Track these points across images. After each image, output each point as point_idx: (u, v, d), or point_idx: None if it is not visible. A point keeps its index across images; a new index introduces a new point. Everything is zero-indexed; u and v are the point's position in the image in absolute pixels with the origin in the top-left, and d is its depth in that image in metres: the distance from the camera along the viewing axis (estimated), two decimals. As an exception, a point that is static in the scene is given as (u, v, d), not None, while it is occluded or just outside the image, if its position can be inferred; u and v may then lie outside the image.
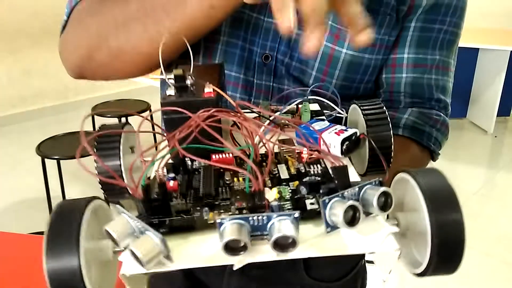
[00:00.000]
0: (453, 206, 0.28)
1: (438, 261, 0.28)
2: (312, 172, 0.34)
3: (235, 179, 0.34)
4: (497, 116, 3.37)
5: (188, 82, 0.37)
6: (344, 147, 0.37)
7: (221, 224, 0.26)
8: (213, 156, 0.35)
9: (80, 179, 2.70)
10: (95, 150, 0.36)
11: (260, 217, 0.27)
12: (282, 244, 0.26)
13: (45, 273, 0.26)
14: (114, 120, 2.62)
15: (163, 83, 0.40)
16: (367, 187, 0.29)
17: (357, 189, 0.29)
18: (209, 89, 0.36)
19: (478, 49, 3.36)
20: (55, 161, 2.10)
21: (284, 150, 0.38)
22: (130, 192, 0.30)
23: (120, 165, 0.36)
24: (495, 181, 2.89)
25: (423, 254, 0.29)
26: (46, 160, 2.07)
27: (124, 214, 0.27)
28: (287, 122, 0.43)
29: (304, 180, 0.33)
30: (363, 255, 0.74)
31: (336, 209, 0.28)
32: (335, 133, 0.37)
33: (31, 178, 2.66)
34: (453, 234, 0.27)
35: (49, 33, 3.73)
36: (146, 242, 0.26)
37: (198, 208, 0.30)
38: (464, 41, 2.84)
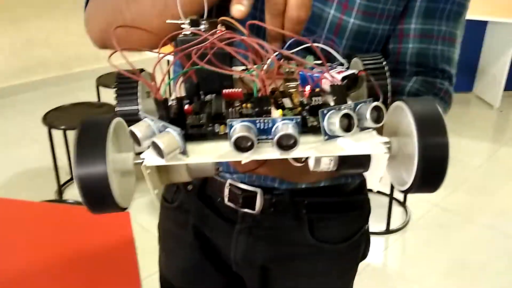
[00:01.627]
0: (440, 130, 0.31)
1: (421, 180, 0.32)
2: (313, 103, 0.37)
3: (244, 105, 0.36)
4: (504, 90, 3.34)
5: (202, 27, 0.39)
6: (343, 84, 0.39)
7: (231, 126, 0.30)
8: (224, 91, 0.38)
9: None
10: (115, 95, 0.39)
11: (266, 120, 0.31)
12: (285, 144, 0.30)
13: (75, 179, 0.30)
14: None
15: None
16: (362, 104, 0.33)
17: (352, 104, 0.33)
18: (221, 27, 0.39)
19: (487, 21, 3.31)
20: (61, 131, 2.12)
21: (289, 86, 0.40)
22: (153, 93, 0.33)
23: (138, 108, 0.39)
24: (499, 155, 2.89)
25: (410, 174, 0.33)
26: (51, 130, 2.08)
27: (147, 118, 0.31)
28: (293, 58, 0.44)
29: (305, 107, 0.36)
30: (366, 220, 0.75)
31: (333, 119, 0.32)
32: (336, 73, 0.40)
33: (37, 148, 2.69)
34: (437, 156, 0.31)
35: (51, 2, 3.69)
36: (167, 136, 0.29)
37: (210, 125, 0.34)
38: (472, 14, 2.78)
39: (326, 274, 0.73)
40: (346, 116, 0.31)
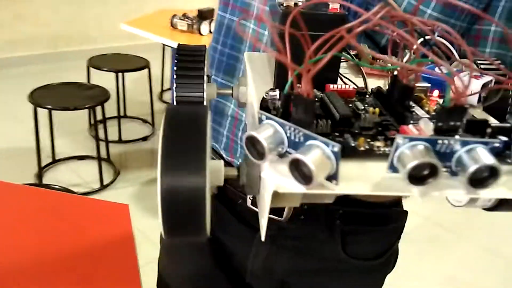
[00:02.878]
0: None
1: None
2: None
3: (371, 109, 0.27)
4: None
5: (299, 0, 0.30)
6: (483, 94, 0.31)
7: (398, 145, 0.21)
8: (330, 86, 0.29)
9: (70, 132, 2.60)
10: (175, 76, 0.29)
11: (451, 142, 0.21)
12: (477, 179, 0.21)
13: (158, 190, 0.21)
14: (111, 74, 2.51)
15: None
16: None
17: None
18: (334, 5, 0.29)
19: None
20: (47, 111, 2.00)
21: (418, 88, 0.31)
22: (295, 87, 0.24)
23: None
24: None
25: None
26: (37, 109, 1.96)
27: (271, 121, 0.22)
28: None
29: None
30: (400, 235, 0.68)
31: None
32: (473, 76, 0.31)
33: (20, 126, 2.55)
34: None
35: (44, -23, 3.54)
36: (317, 154, 0.20)
37: (337, 134, 0.25)
38: None
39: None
40: None
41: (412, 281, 1.88)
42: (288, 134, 0.22)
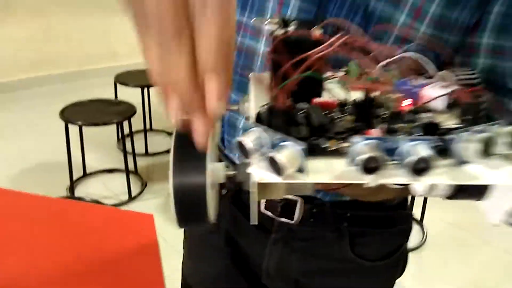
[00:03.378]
0: None
1: None
2: (422, 119, 0.33)
3: (346, 117, 0.33)
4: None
5: (290, 28, 0.35)
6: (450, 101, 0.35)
7: (355, 143, 0.27)
8: (315, 100, 0.34)
9: (99, 146, 2.70)
10: None
11: (395, 140, 0.27)
12: (417, 168, 0.26)
13: (170, 187, 0.28)
14: (137, 90, 2.60)
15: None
16: (495, 126, 0.29)
17: (485, 127, 0.29)
18: (318, 32, 0.35)
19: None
20: (77, 127, 2.10)
21: (391, 98, 0.36)
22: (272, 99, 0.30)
23: None
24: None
25: None
26: (68, 125, 2.07)
27: (257, 128, 0.28)
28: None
29: (415, 124, 0.32)
30: (407, 237, 0.71)
31: (467, 142, 0.28)
32: (440, 87, 0.36)
33: (52, 142, 2.67)
34: None
35: (74, -2, 3.71)
36: (288, 151, 0.26)
37: (313, 138, 0.30)
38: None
39: (362, 291, 0.70)
40: (484, 141, 0.27)
41: (436, 285, 1.88)
42: (269, 138, 0.28)
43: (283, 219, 0.64)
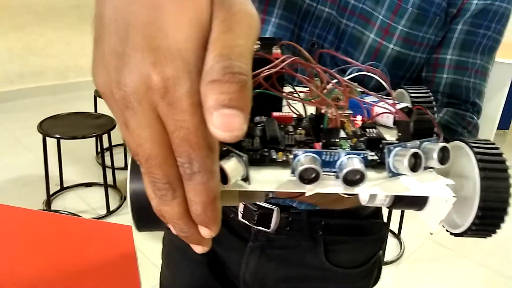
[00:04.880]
0: (503, 175, 0.30)
1: (478, 225, 0.31)
2: (367, 134, 0.36)
3: (297, 131, 0.35)
4: (497, 129, 3.38)
5: (255, 46, 0.37)
6: (395, 117, 0.38)
7: (296, 155, 0.29)
8: (274, 114, 0.36)
9: (77, 160, 2.67)
10: None
11: (332, 153, 0.29)
12: (351, 179, 0.28)
13: (128, 192, 0.29)
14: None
15: None
16: (427, 142, 0.32)
17: (418, 142, 0.32)
18: (277, 50, 0.37)
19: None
20: (55, 140, 2.08)
21: (341, 114, 0.38)
22: None
23: None
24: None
25: (465, 217, 0.31)
26: (46, 138, 2.04)
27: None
28: (351, 87, 0.43)
29: (361, 139, 0.35)
30: (381, 246, 0.73)
31: (399, 156, 0.30)
32: (389, 105, 0.38)
33: (29, 155, 2.63)
34: (499, 201, 0.30)
35: (54, 11, 3.69)
36: (233, 161, 0.28)
37: (266, 150, 0.32)
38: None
39: (337, 299, 0.71)
40: (414, 155, 0.29)
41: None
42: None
43: (260, 228, 0.65)
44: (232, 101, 0.20)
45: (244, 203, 0.34)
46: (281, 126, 0.36)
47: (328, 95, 0.36)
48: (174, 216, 0.24)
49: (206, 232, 0.25)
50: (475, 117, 0.61)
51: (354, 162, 0.28)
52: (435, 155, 0.30)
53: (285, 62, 0.34)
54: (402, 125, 0.34)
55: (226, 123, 0.20)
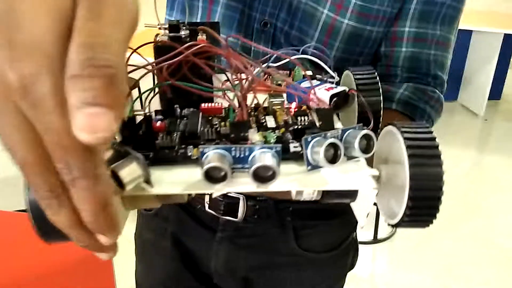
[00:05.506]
0: (434, 160, 0.28)
1: (412, 214, 0.28)
2: (299, 123, 0.34)
3: (223, 123, 0.33)
4: (488, 99, 3.37)
5: (182, 32, 0.36)
6: (332, 102, 0.37)
7: (203, 153, 0.26)
8: (202, 105, 0.34)
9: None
10: None
11: (242, 148, 0.27)
12: (262, 176, 0.26)
13: (25, 203, 0.26)
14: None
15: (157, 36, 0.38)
16: (350, 130, 0.30)
17: (340, 131, 0.30)
18: (202, 36, 0.35)
19: (472, 31, 3.34)
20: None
21: (273, 102, 0.36)
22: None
23: None
24: (484, 164, 2.90)
25: (400, 206, 0.29)
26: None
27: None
28: (274, 75, 0.41)
29: (290, 128, 0.33)
30: (354, 228, 0.72)
31: (317, 147, 0.28)
32: (325, 89, 0.37)
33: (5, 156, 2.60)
34: (430, 188, 0.28)
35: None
36: (129, 164, 0.25)
37: (183, 146, 0.30)
38: (458, 23, 2.81)
39: (312, 284, 0.70)
40: (332, 145, 0.27)
41: (409, 276, 1.91)
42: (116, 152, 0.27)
43: (227, 218, 0.64)
44: (97, 98, 0.18)
45: (165, 203, 0.32)
46: (209, 118, 0.34)
47: (236, 86, 0.33)
48: (66, 226, 0.22)
49: (104, 240, 0.23)
50: (437, 91, 0.59)
51: (266, 158, 0.26)
52: (356, 144, 0.28)
53: (191, 50, 0.32)
54: (322, 114, 0.32)
55: (90, 124, 0.18)
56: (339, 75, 0.47)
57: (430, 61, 0.57)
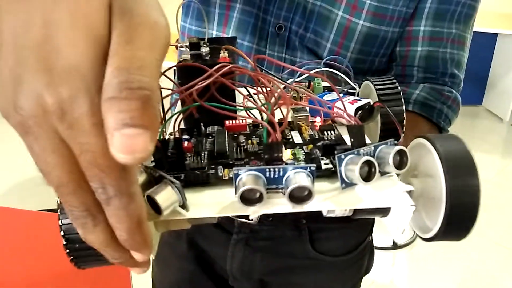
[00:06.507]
0: (470, 172, 0.27)
1: (449, 227, 0.28)
2: (325, 138, 0.34)
3: (249, 141, 0.33)
4: (514, 104, 3.29)
5: (203, 50, 0.36)
6: (357, 116, 0.36)
7: (237, 175, 0.26)
8: (227, 122, 0.34)
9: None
10: None
11: (276, 169, 0.26)
12: (298, 196, 0.26)
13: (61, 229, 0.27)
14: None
15: (180, 52, 0.39)
16: (382, 146, 0.29)
17: (372, 147, 0.29)
18: (224, 54, 0.36)
19: (497, 34, 3.27)
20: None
21: (298, 117, 0.36)
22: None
23: None
24: (509, 170, 2.83)
25: (435, 220, 0.28)
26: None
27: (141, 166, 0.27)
28: (299, 91, 0.41)
29: (317, 144, 0.33)
30: (369, 232, 0.71)
31: (351, 165, 0.27)
32: (349, 102, 0.37)
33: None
34: (468, 201, 0.27)
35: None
36: (165, 189, 0.25)
37: (213, 166, 0.30)
38: (482, 26, 2.76)
39: (327, 288, 0.70)
40: (367, 163, 0.27)
41: (429, 283, 1.87)
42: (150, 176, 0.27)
43: (243, 220, 0.64)
44: (134, 119, 0.19)
45: (196, 224, 0.32)
46: (235, 135, 0.34)
47: (269, 104, 0.33)
48: (101, 244, 0.23)
49: (139, 256, 0.24)
50: (454, 91, 0.58)
51: (301, 178, 0.26)
52: (390, 160, 0.27)
53: (220, 72, 0.32)
54: (354, 130, 0.31)
55: (128, 144, 0.19)
56: (356, 76, 0.46)
57: (446, 60, 0.57)
